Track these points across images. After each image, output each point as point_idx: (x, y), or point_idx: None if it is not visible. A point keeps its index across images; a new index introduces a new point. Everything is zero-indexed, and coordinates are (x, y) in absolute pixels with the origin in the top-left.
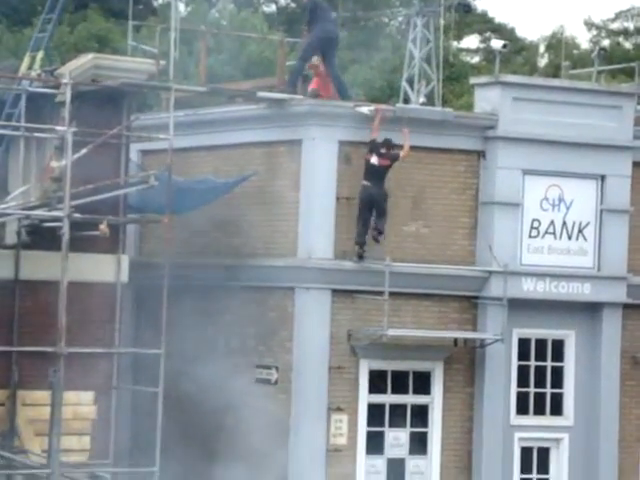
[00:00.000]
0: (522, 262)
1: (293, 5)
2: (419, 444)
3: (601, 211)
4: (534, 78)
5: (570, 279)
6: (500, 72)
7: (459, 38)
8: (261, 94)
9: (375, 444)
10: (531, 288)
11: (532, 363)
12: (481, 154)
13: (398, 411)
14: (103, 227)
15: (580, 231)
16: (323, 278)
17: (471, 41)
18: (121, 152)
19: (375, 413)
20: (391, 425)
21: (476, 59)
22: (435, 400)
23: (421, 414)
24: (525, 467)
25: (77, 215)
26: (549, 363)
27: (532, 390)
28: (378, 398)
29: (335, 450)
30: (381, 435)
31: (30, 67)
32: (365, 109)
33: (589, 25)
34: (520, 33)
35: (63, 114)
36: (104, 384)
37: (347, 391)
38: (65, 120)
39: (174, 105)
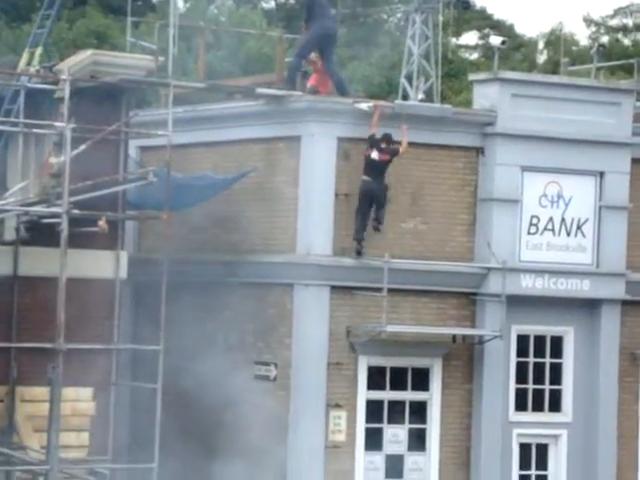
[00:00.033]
0: (521, 259)
1: (292, 1)
2: (418, 440)
3: (600, 208)
4: (533, 75)
5: (569, 276)
6: (499, 69)
7: (458, 35)
8: (260, 90)
9: (374, 440)
10: (530, 284)
11: (531, 359)
12: (480, 151)
13: (397, 407)
14: (102, 223)
15: (579, 228)
16: (322, 274)
17: (470, 38)
18: (120, 148)
19: (374, 409)
20: (390, 421)
21: (475, 56)
22: (434, 396)
23: (420, 410)
24: (524, 463)
25: (76, 211)
26: (548, 359)
27: (531, 386)
28: (377, 394)
29: (334, 446)
30: (380, 431)
31: (29, 63)
32: (364, 105)
33: (588, 21)
34: (519, 29)
35: (62, 110)
36: (103, 380)
37: (346, 387)
38: (64, 116)
39: (173, 101)
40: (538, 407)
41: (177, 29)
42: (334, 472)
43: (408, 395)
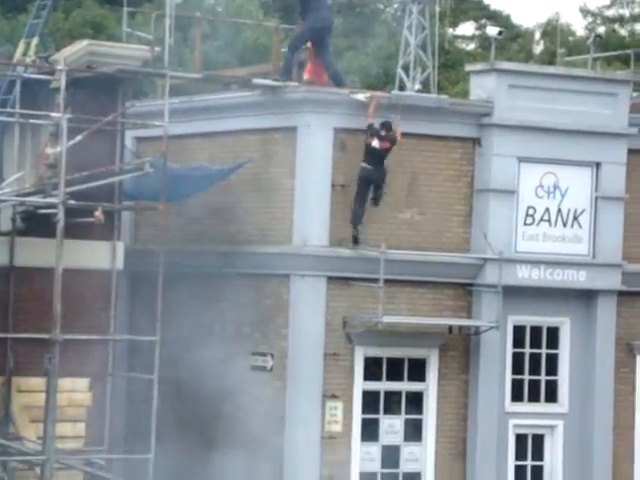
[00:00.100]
0: (517, 249)
1: None
2: (414, 431)
3: (596, 198)
4: (529, 65)
5: (565, 266)
6: (495, 59)
7: (454, 25)
8: (256, 81)
9: (370, 431)
10: (526, 275)
11: (527, 350)
12: (476, 141)
13: (393, 398)
14: (98, 214)
15: (575, 218)
16: (318, 265)
17: (466, 28)
18: (116, 139)
19: (370, 400)
20: (386, 412)
21: (471, 46)
22: (430, 387)
23: (416, 401)
24: (520, 454)
25: (72, 202)
26: (544, 350)
27: (527, 377)
28: (373, 385)
29: (330, 437)
30: (376, 422)
31: (25, 53)
32: (361, 96)
33: (584, 12)
34: (516, 20)
35: (58, 100)
36: (99, 371)
37: (342, 378)
38: (60, 106)
39: (169, 92)
40: (534, 398)
41: (173, 19)
42: (330, 462)
43: (404, 386)
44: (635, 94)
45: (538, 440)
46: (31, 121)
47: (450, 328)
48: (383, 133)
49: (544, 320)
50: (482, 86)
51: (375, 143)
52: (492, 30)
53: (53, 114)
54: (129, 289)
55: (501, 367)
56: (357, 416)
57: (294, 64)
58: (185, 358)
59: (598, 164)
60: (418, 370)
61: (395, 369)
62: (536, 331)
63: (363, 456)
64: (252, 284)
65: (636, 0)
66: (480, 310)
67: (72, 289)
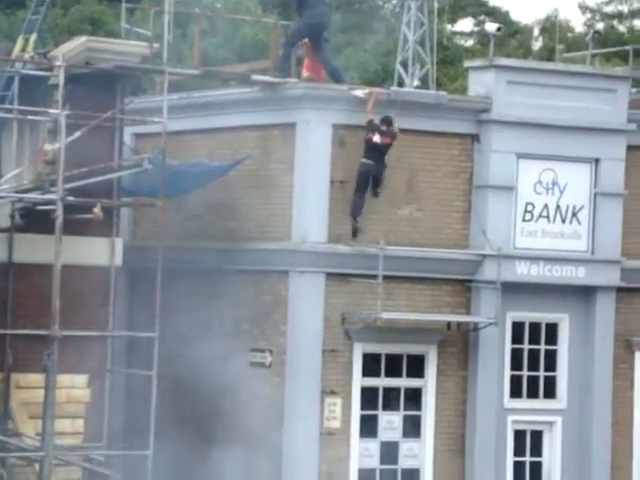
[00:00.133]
0: (516, 246)
1: None
2: (413, 427)
3: (595, 195)
4: (528, 61)
5: (564, 263)
6: (494, 55)
7: (453, 21)
8: (255, 77)
9: (369, 427)
10: (525, 272)
11: (526, 346)
12: (475, 137)
13: (392, 394)
14: (97, 210)
15: (574, 215)
16: (317, 262)
17: (465, 24)
18: (115, 135)
19: (369, 396)
20: (385, 408)
21: (470, 42)
22: (429, 383)
23: (415, 397)
24: (518, 450)
25: (71, 198)
26: (542, 346)
27: (525, 373)
28: (372, 381)
29: (329, 433)
30: (375, 418)
31: (23, 49)
32: (359, 92)
33: (583, 8)
34: (514, 16)
35: (56, 97)
36: (98, 367)
37: (341, 374)
38: (58, 103)
39: (168, 88)
40: (533, 394)
41: (172, 16)
42: (329, 459)
43: (403, 382)
44: (634, 90)
45: (537, 436)
46: (29, 117)
47: (449, 324)
48: (384, 128)
49: (543, 316)
50: (481, 82)
51: (377, 138)
52: (491, 26)
53: (51, 110)
54: (128, 285)
55: (500, 363)
56: (356, 412)
57: (291, 60)
58: (184, 354)
59: (597, 160)
60: (417, 366)
61: (394, 365)
62: (535, 327)
63: (362, 452)
64: (251, 280)
65: None
66: (479, 306)
67: (71, 285)
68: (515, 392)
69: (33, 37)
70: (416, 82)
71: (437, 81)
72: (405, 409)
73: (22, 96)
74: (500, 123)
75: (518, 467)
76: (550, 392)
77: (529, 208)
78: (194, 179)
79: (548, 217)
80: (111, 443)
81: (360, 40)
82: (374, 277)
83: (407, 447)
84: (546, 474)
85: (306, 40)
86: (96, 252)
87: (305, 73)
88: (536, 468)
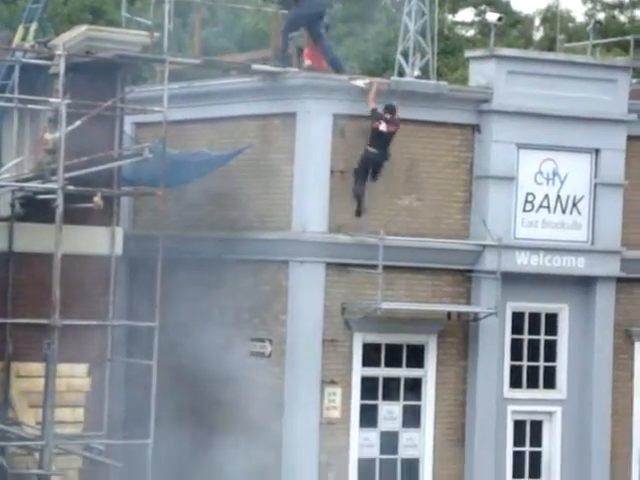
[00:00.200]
0: (516, 236)
1: None
2: (412, 417)
3: (595, 185)
4: (529, 51)
5: (564, 253)
6: (495, 45)
7: (454, 11)
8: (256, 67)
9: (368, 417)
10: (525, 262)
11: (525, 337)
12: (476, 128)
13: (392, 384)
14: (97, 199)
15: (574, 205)
16: (317, 251)
17: (466, 14)
18: (115, 124)
19: (369, 386)
20: (385, 398)
21: (471, 32)
22: (429, 373)
23: (414, 387)
24: (518, 440)
25: (71, 187)
26: (542, 337)
27: (525, 363)
28: (372, 371)
29: (329, 423)
30: (374, 408)
31: (24, 38)
32: (360, 82)
33: None
34: (515, 6)
35: (57, 86)
36: (98, 356)
37: (341, 364)
38: (59, 92)
39: (168, 77)
40: (533, 384)
41: (172, 5)
42: (329, 448)
43: (403, 372)
44: (634, 80)
45: (536, 426)
46: (30, 106)
47: (449, 314)
48: (388, 117)
49: (543, 306)
50: (481, 72)
51: (383, 127)
52: (492, 16)
53: (52, 99)
54: (128, 275)
55: (500, 353)
56: (356, 402)
57: (289, 49)
58: (184, 344)
59: (597, 150)
60: (417, 356)
61: (394, 355)
62: (535, 317)
63: (362, 442)
64: (251, 270)
65: None
66: (479, 296)
67: (71, 275)
68: (515, 382)
69: (34, 26)
70: (417, 72)
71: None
72: (405, 399)
73: (23, 85)
74: (501, 113)
75: (518, 457)
76: (550, 382)
77: (529, 198)
78: (194, 168)
79: (548, 207)
80: (111, 432)
81: (361, 30)
82: (374, 267)
83: (407, 437)
84: (546, 464)
85: (305, 30)
86: (96, 241)
87: (306, 62)
88: (536, 458)
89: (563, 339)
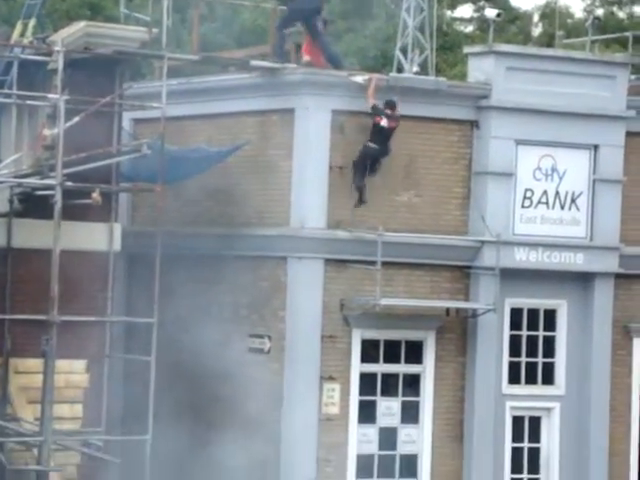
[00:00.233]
0: (515, 232)
1: None
2: (411, 413)
3: (594, 181)
4: (528, 47)
5: (562, 249)
6: (494, 41)
7: (453, 7)
8: (254, 63)
9: (367, 413)
10: (523, 258)
11: (524, 333)
12: (474, 124)
13: (390, 380)
14: (95, 195)
15: (573, 201)
16: (316, 247)
17: (465, 10)
18: (114, 120)
19: (367, 382)
20: (383, 394)
21: (470, 28)
22: (427, 369)
23: (413, 383)
24: (516, 436)
25: (69, 183)
26: (541, 333)
27: (524, 359)
28: (370, 367)
29: (327, 419)
30: (373, 404)
31: (22, 34)
32: (359, 78)
33: None
34: (514, 2)
35: (55, 82)
36: (96, 352)
37: (339, 360)
38: (57, 88)
39: (167, 73)
40: (531, 380)
41: (171, 1)
42: (327, 444)
43: (402, 368)
44: (633, 76)
45: (535, 422)
46: (28, 102)
47: (447, 310)
48: (389, 112)
49: (541, 303)
50: (480, 68)
51: (384, 122)
52: (490, 12)
53: (50, 95)
54: (126, 271)
55: (498, 349)
56: (354, 398)
57: (285, 45)
58: (183, 340)
59: (596, 147)
60: (415, 352)
61: (392, 351)
62: (533, 313)
63: (360, 438)
64: (249, 266)
65: None
66: (477, 292)
67: (69, 271)
68: (513, 378)
69: (32, 22)
70: (415, 68)
71: (436, 67)
72: (403, 395)
73: (21, 81)
74: (499, 109)
75: (516, 453)
76: (548, 378)
77: (528, 194)
78: (193, 165)
79: (547, 203)
80: (110, 428)
81: (360, 26)
82: (373, 263)
83: (405, 433)
84: (544, 460)
85: (301, 26)
86: (95, 237)
87: (305, 57)
88: (534, 454)
89: (562, 335)
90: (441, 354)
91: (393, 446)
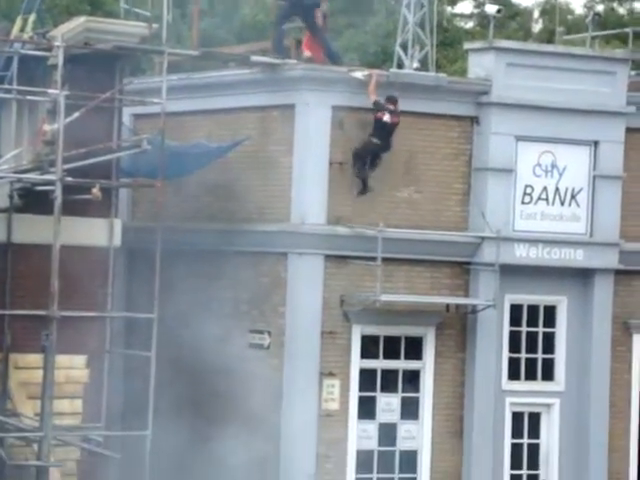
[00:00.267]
0: (515, 228)
1: None
2: (411, 409)
3: (594, 177)
4: (528, 44)
5: (562, 245)
6: (494, 37)
7: (453, 3)
8: (255, 58)
9: (367, 409)
10: (523, 254)
11: (524, 329)
12: (474, 120)
13: (390, 376)
14: (95, 191)
15: (573, 197)
16: (316, 243)
17: (465, 6)
18: (114, 116)
19: (367, 378)
20: (383, 390)
21: (470, 24)
22: (427, 365)
23: (413, 379)
24: (516, 432)
25: (69, 179)
26: (541, 329)
27: (523, 355)
28: (370, 363)
29: (327, 415)
30: (373, 400)
31: (22, 30)
32: (359, 74)
33: None
34: None
35: (55, 77)
36: (97, 348)
37: (339, 356)
38: (57, 83)
39: (167, 69)
40: (531, 376)
41: None
42: (327, 440)
43: (401, 364)
44: (633, 72)
45: (534, 418)
46: (28, 98)
47: (447, 306)
48: (392, 107)
49: (541, 299)
50: (480, 64)
51: (387, 118)
52: (491, 8)
53: (50, 91)
54: (126, 266)
55: (498, 345)
56: (354, 394)
57: (284, 40)
58: (183, 335)
59: (596, 143)
60: (415, 348)
61: (392, 347)
62: (533, 310)
63: (360, 434)
64: (250, 262)
65: None
66: (477, 289)
67: (69, 266)
68: (513, 374)
69: (32, 17)
70: (415, 64)
71: (437, 63)
72: (403, 391)
73: (21, 76)
74: (499, 105)
75: (516, 449)
76: (548, 374)
77: (528, 190)
78: (193, 160)
79: (547, 199)
80: (110, 424)
81: (360, 22)
82: (373, 259)
83: (405, 429)
84: (544, 456)
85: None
86: (95, 233)
87: (306, 53)
88: (534, 450)
89: (561, 331)
90: (441, 350)
91: (393, 442)
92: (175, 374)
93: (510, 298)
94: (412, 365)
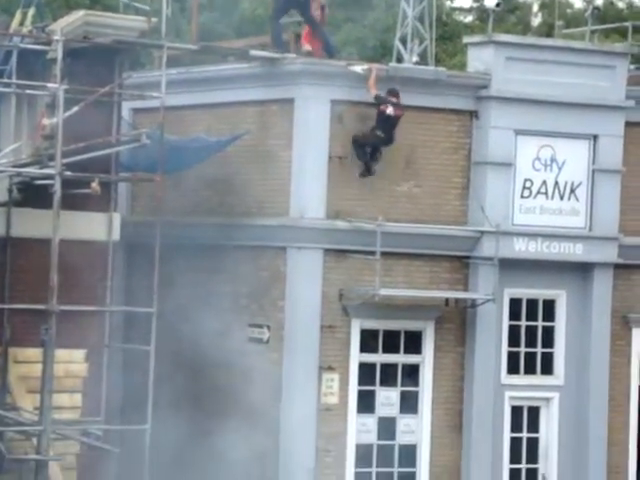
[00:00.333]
0: (514, 222)
1: None
2: (410, 403)
3: (593, 171)
4: (527, 37)
5: (562, 239)
6: (493, 31)
7: None
8: (254, 52)
9: (366, 403)
10: (523, 248)
11: (523, 323)
12: (474, 114)
13: (389, 370)
14: (95, 185)
15: (572, 191)
16: (315, 237)
17: (464, 0)
18: (113, 110)
19: (366, 372)
20: (382, 384)
21: (469, 18)
22: (426, 359)
23: (412, 373)
24: (515, 426)
25: (69, 173)
26: (540, 323)
27: (523, 350)
28: (369, 357)
29: (326, 409)
30: (372, 394)
31: (21, 23)
32: (358, 68)
33: None
34: None
35: (55, 71)
36: (96, 342)
37: (338, 350)
38: (57, 77)
39: (166, 63)
40: (530, 370)
41: None
42: (326, 434)
43: (401, 358)
44: (632, 66)
45: (534, 412)
46: (28, 92)
47: (446, 301)
48: (394, 100)
49: (540, 293)
50: (480, 58)
51: (390, 110)
52: (490, 2)
53: (50, 85)
54: (126, 260)
55: (497, 339)
56: (353, 388)
57: (282, 34)
58: (182, 330)
59: (595, 137)
60: (414, 342)
61: (391, 341)
62: (532, 304)
63: (359, 428)
64: (249, 256)
65: None
66: (477, 283)
67: (69, 260)
68: (512, 368)
69: (31, 11)
70: (415, 58)
71: (436, 57)
72: (402, 385)
73: (20, 70)
74: (499, 99)
75: (515, 443)
76: (547, 368)
77: (527, 184)
78: (192, 154)
79: (546, 194)
80: (109, 418)
81: (359, 16)
82: (372, 253)
83: (404, 423)
84: (543, 450)
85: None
86: (94, 227)
87: (306, 46)
88: (533, 444)
89: (561, 325)
90: (440, 344)
91: (392, 436)
92: (174, 368)
93: (509, 292)
94: (411, 359)
